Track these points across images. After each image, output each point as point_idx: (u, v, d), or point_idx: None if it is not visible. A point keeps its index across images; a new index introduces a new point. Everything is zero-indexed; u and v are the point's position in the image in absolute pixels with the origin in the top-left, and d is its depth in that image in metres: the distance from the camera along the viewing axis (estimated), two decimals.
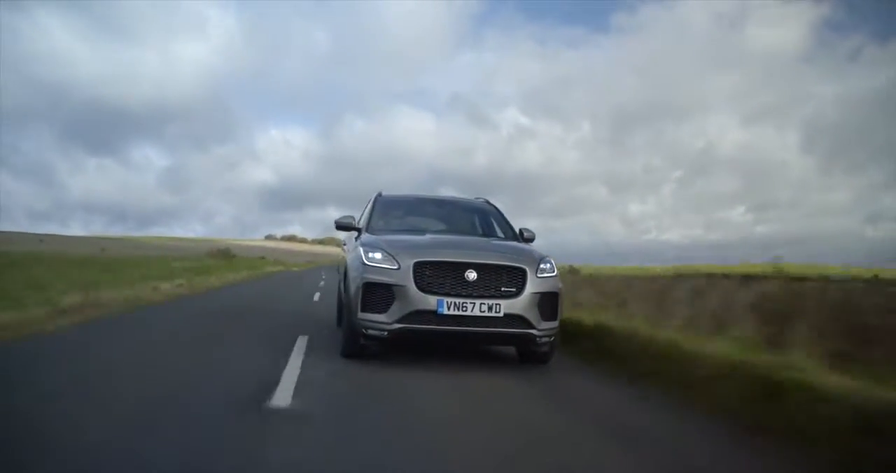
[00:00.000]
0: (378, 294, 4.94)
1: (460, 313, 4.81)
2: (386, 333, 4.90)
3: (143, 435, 2.95)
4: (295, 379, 4.32)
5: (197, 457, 2.66)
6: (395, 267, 4.95)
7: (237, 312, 9.71)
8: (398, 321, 4.85)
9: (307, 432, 3.15)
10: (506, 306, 4.86)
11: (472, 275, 4.88)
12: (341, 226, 6.32)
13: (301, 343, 5.99)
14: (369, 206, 6.54)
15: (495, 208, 6.83)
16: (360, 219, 6.61)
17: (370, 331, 4.97)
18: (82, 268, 18.44)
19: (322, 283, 21.04)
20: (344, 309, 5.58)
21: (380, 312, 4.92)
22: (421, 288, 4.85)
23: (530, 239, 6.30)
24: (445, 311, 4.80)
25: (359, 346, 5.20)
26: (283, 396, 3.79)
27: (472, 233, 6.45)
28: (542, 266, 5.14)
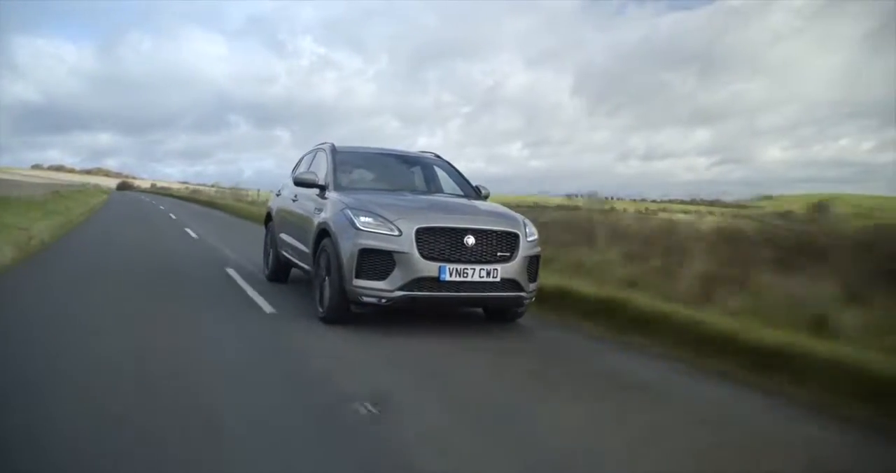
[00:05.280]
0: (376, 260, 4.76)
1: (461, 279, 4.82)
2: (384, 301, 4.77)
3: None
4: None
5: None
6: (396, 234, 4.77)
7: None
8: (400, 288, 4.74)
9: None
10: (502, 271, 4.96)
11: (470, 241, 4.88)
12: (303, 182, 5.87)
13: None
14: (327, 161, 6.04)
15: (449, 163, 6.73)
16: (302, 170, 6.48)
17: (365, 298, 4.80)
18: None
19: (174, 216, 20.23)
20: (323, 273, 5.18)
21: (378, 279, 4.76)
22: (423, 255, 4.76)
23: (487, 196, 6.38)
24: (447, 278, 4.78)
25: (346, 313, 5.01)
26: None
27: (437, 190, 6.33)
28: (528, 230, 5.29)
